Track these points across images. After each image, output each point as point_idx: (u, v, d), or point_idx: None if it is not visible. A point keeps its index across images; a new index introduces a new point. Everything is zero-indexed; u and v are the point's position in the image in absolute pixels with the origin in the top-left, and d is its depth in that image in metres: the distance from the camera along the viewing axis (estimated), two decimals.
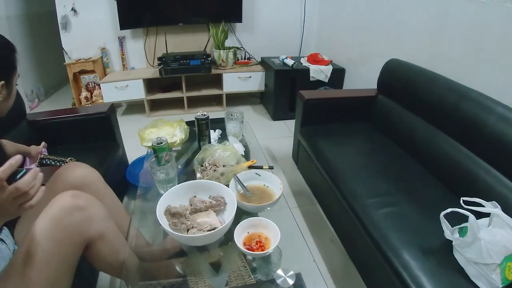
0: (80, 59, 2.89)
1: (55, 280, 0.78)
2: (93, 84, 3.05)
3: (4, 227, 0.90)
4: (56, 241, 0.79)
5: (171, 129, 1.46)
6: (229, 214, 0.95)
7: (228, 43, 3.10)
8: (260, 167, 1.25)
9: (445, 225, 1.00)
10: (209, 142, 1.42)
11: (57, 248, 0.79)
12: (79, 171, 1.05)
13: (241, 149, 1.37)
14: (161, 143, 1.21)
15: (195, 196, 1.04)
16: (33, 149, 1.36)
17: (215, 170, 1.17)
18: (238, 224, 0.93)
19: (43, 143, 1.44)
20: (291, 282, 0.83)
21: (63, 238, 0.80)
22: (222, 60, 2.99)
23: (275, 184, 1.12)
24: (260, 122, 2.93)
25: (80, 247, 0.85)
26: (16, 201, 0.62)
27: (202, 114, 1.37)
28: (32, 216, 0.95)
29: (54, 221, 0.79)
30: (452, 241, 0.99)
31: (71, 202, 0.84)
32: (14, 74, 0.91)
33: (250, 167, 1.24)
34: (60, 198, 0.84)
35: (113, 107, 1.80)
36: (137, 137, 1.43)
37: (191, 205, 1.01)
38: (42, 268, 0.76)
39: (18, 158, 0.61)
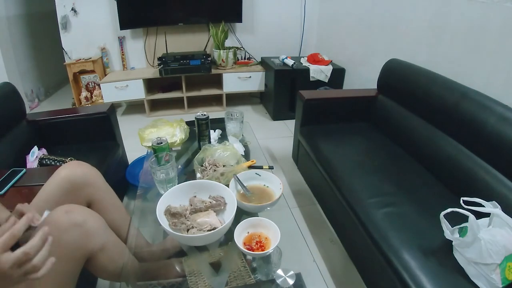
0: (80, 59, 2.89)
1: None
2: (93, 84, 3.05)
3: None
4: (56, 260, 0.77)
5: (171, 129, 1.46)
6: (229, 214, 0.95)
7: (228, 43, 3.10)
8: (260, 167, 1.25)
9: (445, 225, 0.99)
10: (209, 142, 1.42)
11: (58, 266, 0.75)
12: (80, 169, 1.05)
13: (241, 149, 1.37)
14: (161, 143, 1.21)
15: (195, 196, 1.04)
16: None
17: (215, 170, 1.17)
18: (238, 224, 0.93)
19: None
20: (291, 282, 0.83)
21: (63, 257, 0.77)
22: (222, 60, 2.99)
23: (275, 184, 1.12)
24: (260, 122, 2.93)
25: (81, 262, 0.84)
26: (21, 268, 0.55)
27: (202, 114, 1.37)
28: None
29: (52, 241, 0.77)
30: (452, 241, 0.99)
31: (66, 219, 0.80)
32: None
33: (250, 167, 1.24)
34: (53, 216, 0.80)
35: (113, 107, 1.80)
36: (137, 137, 1.43)
37: (191, 205, 1.01)
38: (44, 286, 0.75)
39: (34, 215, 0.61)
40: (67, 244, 0.79)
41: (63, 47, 2.93)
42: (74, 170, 1.03)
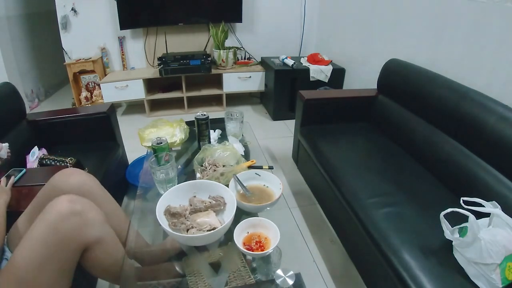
0: (80, 59, 2.89)
1: (52, 285, 0.78)
2: (93, 84, 3.05)
3: None
4: (53, 246, 0.78)
5: (171, 129, 1.46)
6: (229, 214, 0.95)
7: (228, 43, 3.10)
8: (260, 167, 1.25)
9: (445, 225, 0.99)
10: (209, 142, 1.42)
11: (53, 253, 0.78)
12: (75, 178, 1.01)
13: (241, 149, 1.37)
14: (161, 143, 1.21)
15: (194, 196, 1.04)
16: None
17: (215, 170, 1.17)
18: (238, 224, 0.93)
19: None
20: (290, 282, 0.83)
21: (60, 244, 0.79)
22: (222, 60, 2.99)
23: (275, 184, 1.12)
24: (260, 122, 2.93)
25: (77, 252, 0.85)
26: None
27: (202, 114, 1.37)
28: (26, 221, 0.94)
29: (50, 227, 0.78)
30: (452, 241, 0.99)
31: (67, 207, 0.82)
32: None
33: (250, 167, 1.24)
34: (56, 203, 0.82)
35: (113, 107, 1.80)
36: (137, 137, 1.43)
37: (190, 205, 1.01)
38: (39, 273, 0.75)
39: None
40: (65, 231, 0.80)
41: (63, 47, 2.93)
42: (67, 180, 1.00)
